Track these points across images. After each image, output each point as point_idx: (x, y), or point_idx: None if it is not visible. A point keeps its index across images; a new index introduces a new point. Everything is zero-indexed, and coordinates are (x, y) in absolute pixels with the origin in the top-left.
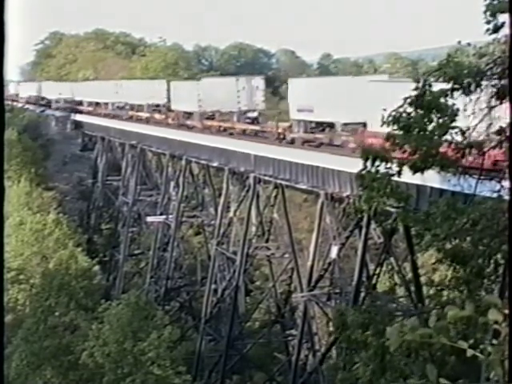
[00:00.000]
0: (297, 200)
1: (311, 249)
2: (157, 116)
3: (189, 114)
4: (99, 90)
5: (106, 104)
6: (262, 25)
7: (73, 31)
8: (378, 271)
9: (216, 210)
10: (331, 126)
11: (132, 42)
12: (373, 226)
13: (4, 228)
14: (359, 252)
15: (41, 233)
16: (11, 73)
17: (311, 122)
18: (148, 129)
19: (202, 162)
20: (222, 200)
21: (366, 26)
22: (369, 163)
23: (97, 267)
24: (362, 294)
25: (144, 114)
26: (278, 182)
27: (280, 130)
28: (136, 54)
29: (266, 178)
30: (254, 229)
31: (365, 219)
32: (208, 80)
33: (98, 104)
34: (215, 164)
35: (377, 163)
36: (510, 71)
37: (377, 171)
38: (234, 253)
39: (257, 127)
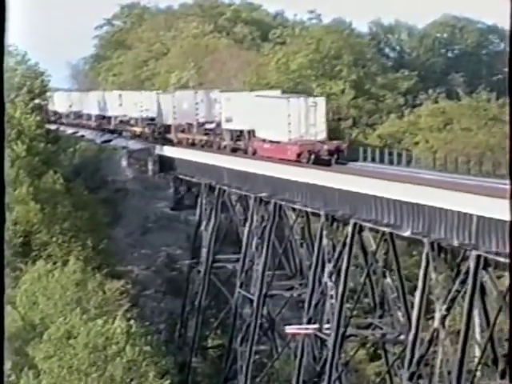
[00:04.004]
0: None
1: None
2: (146, 130)
3: (168, 127)
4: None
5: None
6: None
7: (162, 3)
8: None
9: (409, 318)
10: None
11: (262, 19)
12: None
13: (4, 229)
14: None
15: (102, 352)
16: (55, 76)
17: (235, 130)
18: (288, 172)
19: (396, 232)
20: (417, 300)
21: None
22: None
23: None
24: None
25: (138, 129)
26: None
27: (218, 139)
28: (269, 40)
29: None
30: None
31: None
32: (180, 93)
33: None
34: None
35: None
36: (510, 71)
37: None
38: None
39: (206, 138)
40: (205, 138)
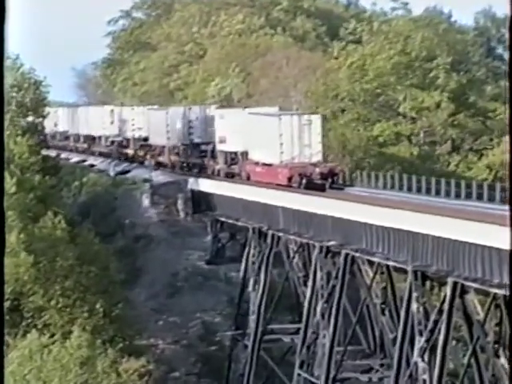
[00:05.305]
0: None
1: None
2: (139, 153)
3: (162, 149)
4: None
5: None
6: None
7: None
8: None
9: None
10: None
11: (329, 10)
12: None
13: (5, 232)
14: None
15: None
16: (57, 86)
17: (229, 152)
18: (364, 213)
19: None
20: None
21: None
22: None
23: None
24: None
25: (130, 151)
26: None
27: (211, 163)
28: (339, 37)
29: None
30: None
31: None
32: (173, 109)
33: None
34: None
35: None
36: (510, 70)
37: None
38: None
39: (200, 161)
40: (199, 161)
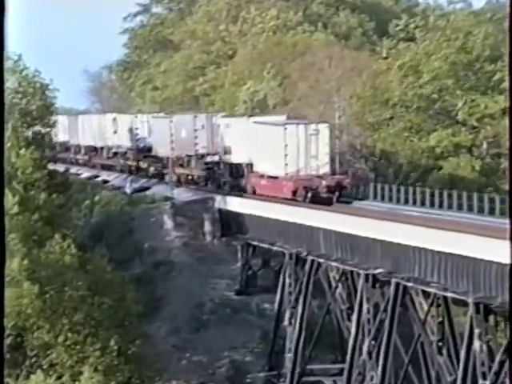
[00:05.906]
0: None
1: None
2: (142, 164)
3: (167, 160)
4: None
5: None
6: None
7: None
8: None
9: None
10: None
11: (377, 3)
12: None
13: (5, 233)
14: None
15: None
16: (66, 91)
17: (234, 164)
18: (415, 237)
19: None
20: None
21: None
22: None
23: None
24: None
25: (133, 163)
26: None
27: (216, 176)
28: (389, 35)
29: None
30: None
31: None
32: (178, 117)
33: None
34: None
35: None
36: (510, 70)
37: None
38: None
39: (204, 173)
40: (203, 173)
